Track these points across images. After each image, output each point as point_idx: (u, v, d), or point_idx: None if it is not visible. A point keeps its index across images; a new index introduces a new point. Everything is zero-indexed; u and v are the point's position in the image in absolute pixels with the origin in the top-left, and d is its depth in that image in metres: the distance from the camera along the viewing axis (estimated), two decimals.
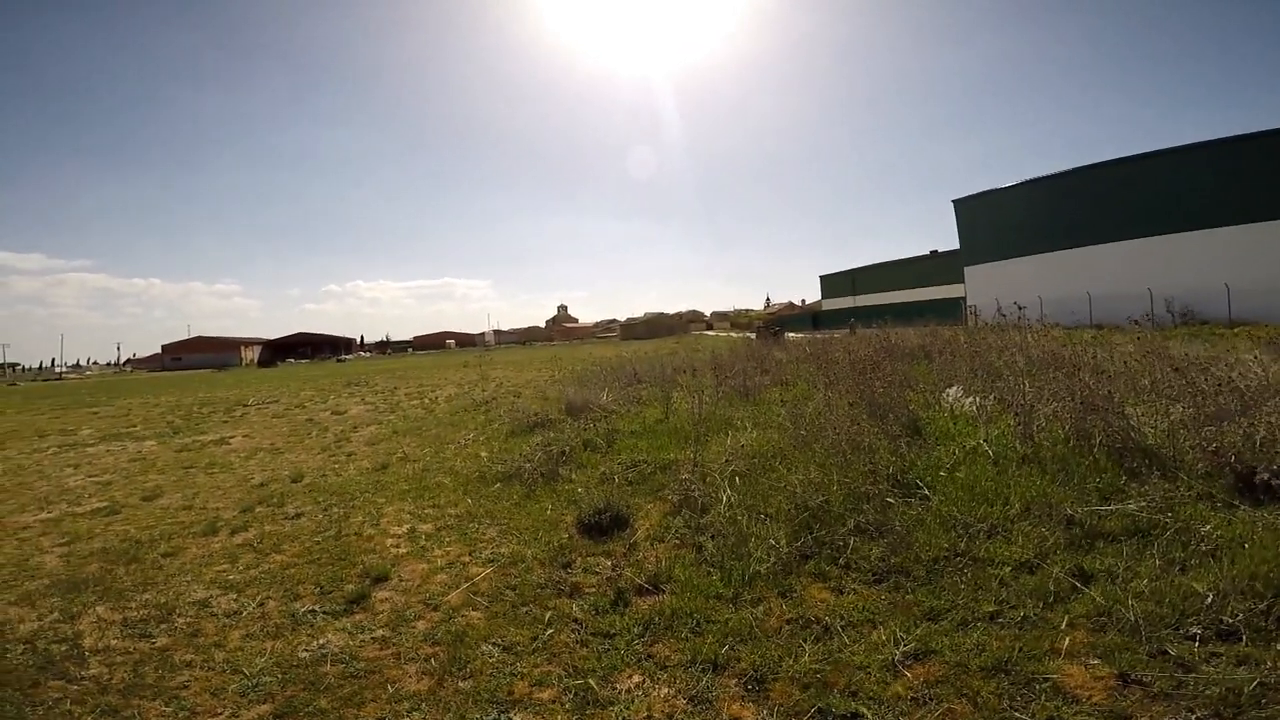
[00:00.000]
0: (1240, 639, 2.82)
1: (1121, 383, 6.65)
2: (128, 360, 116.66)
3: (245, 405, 20.84)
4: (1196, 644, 2.83)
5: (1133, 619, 3.01)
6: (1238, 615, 2.92)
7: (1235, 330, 19.51)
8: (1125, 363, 7.76)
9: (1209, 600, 3.04)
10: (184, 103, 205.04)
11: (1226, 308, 24.91)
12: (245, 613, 4.38)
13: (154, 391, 33.22)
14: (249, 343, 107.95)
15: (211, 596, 4.70)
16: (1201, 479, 4.43)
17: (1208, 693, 2.52)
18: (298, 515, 6.73)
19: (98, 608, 4.62)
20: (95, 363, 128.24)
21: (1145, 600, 3.15)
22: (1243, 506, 4.00)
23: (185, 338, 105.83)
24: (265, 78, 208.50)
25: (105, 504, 7.85)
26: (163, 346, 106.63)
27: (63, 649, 3.99)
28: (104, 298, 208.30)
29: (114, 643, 4.04)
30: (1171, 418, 5.41)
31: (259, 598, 4.61)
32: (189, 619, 4.35)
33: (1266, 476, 4.08)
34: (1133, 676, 2.70)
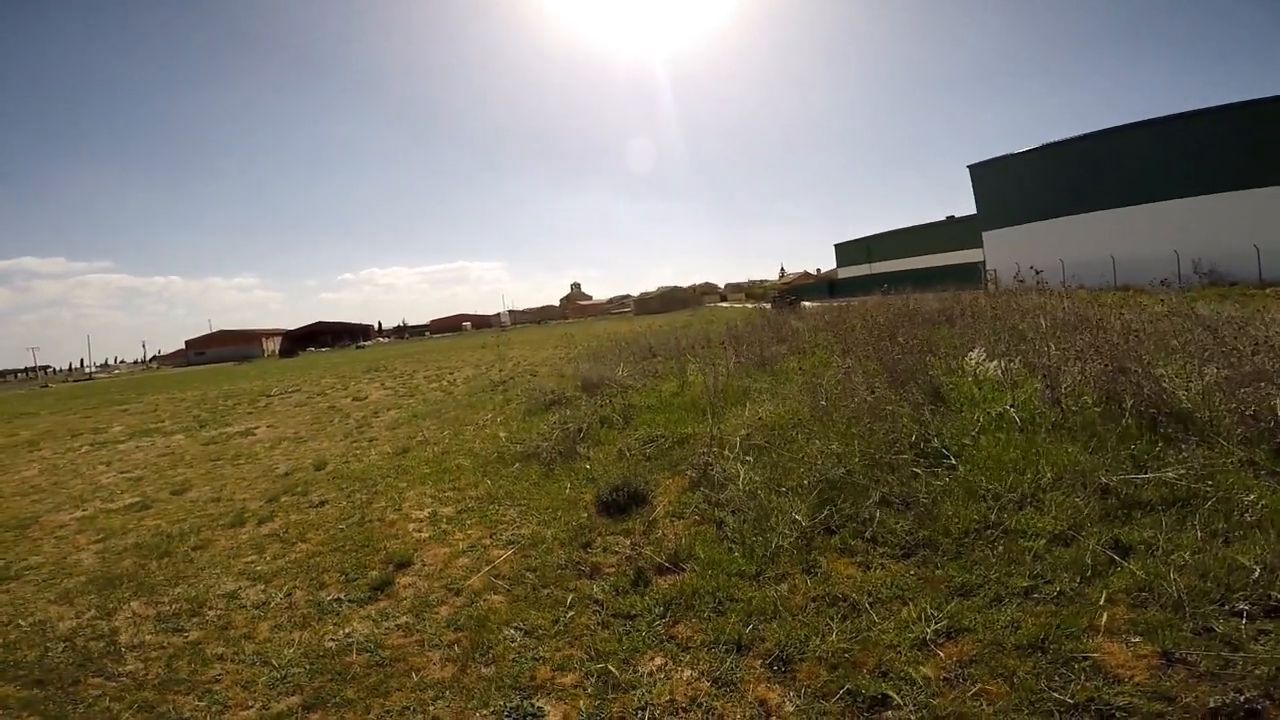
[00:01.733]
0: None
1: (1151, 343, 6.43)
2: (153, 357, 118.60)
3: (268, 395, 21.11)
4: (1244, 621, 2.69)
5: (1175, 594, 2.87)
6: None
7: (1267, 291, 18.87)
8: (1154, 323, 7.50)
9: (1256, 575, 2.88)
10: (195, 101, 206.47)
11: (1257, 269, 24.09)
12: (273, 604, 4.42)
13: (180, 386, 33.81)
14: (270, 334, 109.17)
15: (240, 588, 4.76)
16: (1241, 445, 4.23)
17: (1257, 672, 2.39)
18: (322, 503, 6.78)
19: (132, 603, 4.69)
20: (122, 361, 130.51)
21: (1188, 574, 3.01)
22: None
23: (207, 332, 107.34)
24: (275, 73, 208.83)
25: (137, 499, 7.98)
26: (186, 342, 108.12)
27: (100, 646, 4.07)
28: (126, 297, 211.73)
29: (149, 638, 4.11)
30: (1206, 379, 5.20)
31: (286, 588, 4.65)
32: (219, 612, 4.40)
33: None
34: (1176, 655, 2.58)
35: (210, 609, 4.46)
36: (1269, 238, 24.15)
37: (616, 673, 3.07)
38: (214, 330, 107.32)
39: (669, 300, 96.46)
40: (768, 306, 32.87)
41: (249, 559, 5.37)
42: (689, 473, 5.69)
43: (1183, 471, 3.93)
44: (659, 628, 3.44)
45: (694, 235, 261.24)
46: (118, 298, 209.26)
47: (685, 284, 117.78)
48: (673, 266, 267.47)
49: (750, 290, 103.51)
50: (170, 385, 36.41)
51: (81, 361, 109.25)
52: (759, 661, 3.02)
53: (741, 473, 5.16)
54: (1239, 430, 4.38)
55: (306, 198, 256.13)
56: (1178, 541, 3.32)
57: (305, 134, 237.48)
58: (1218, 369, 5.32)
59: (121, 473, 9.98)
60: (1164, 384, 5.17)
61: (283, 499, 7.16)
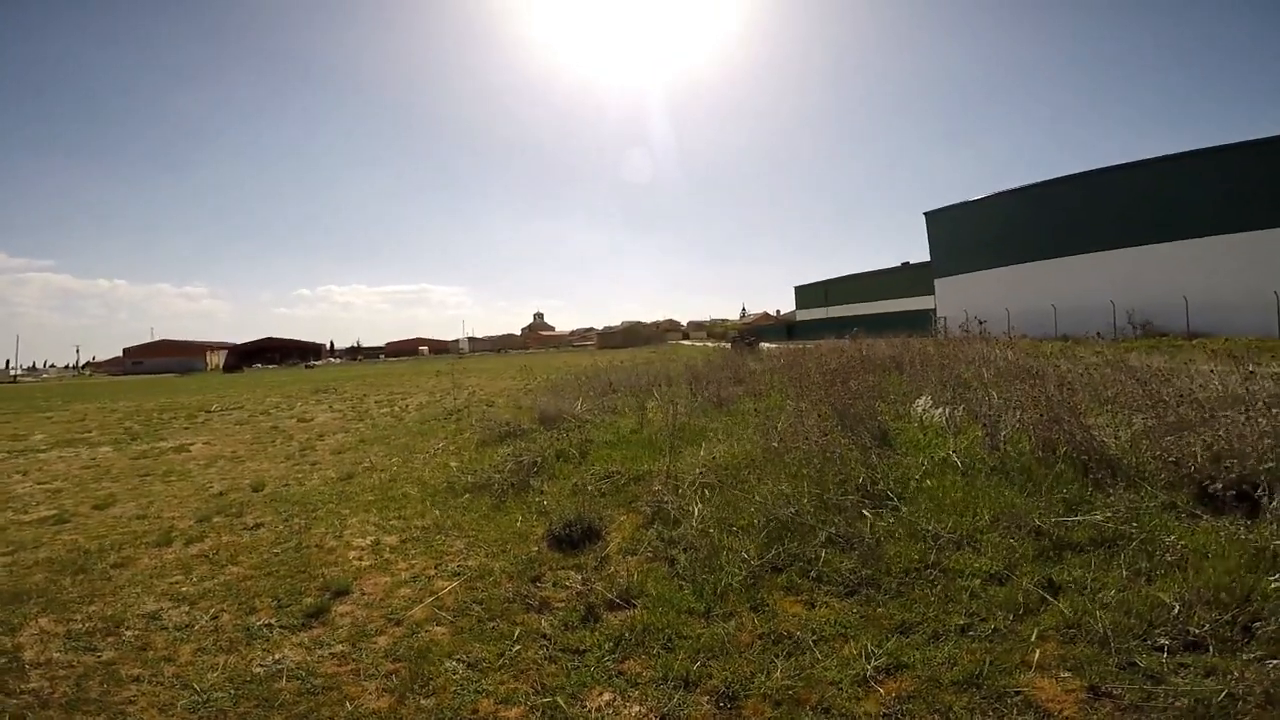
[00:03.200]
0: (1207, 650, 2.84)
1: (1085, 394, 6.77)
2: (87, 363, 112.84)
3: (208, 411, 20.27)
4: (1165, 655, 2.84)
5: (1101, 630, 3.01)
6: (1204, 626, 2.94)
7: (1193, 342, 20.10)
8: (1089, 373, 7.91)
9: (1175, 611, 3.06)
10: (159, 100, 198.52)
11: (1185, 320, 25.72)
12: (198, 626, 4.21)
13: (113, 396, 32.17)
14: (215, 347, 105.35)
15: (162, 609, 4.52)
16: (1164, 489, 4.50)
17: (1177, 704, 2.52)
18: (257, 526, 6.51)
19: (40, 620, 4.41)
20: (53, 365, 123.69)
21: (1113, 611, 3.16)
22: (1205, 517, 4.06)
23: (148, 341, 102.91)
24: (246, 77, 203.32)
25: (54, 512, 7.51)
26: (124, 350, 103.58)
27: (1, 661, 3.79)
28: (66, 298, 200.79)
29: (56, 656, 3.86)
30: (1134, 428, 5.51)
31: (212, 611, 4.43)
32: (137, 632, 4.17)
33: (1221, 487, 4.16)
34: (1103, 689, 2.70)
35: (128, 629, 4.22)
36: (1196, 289, 25.82)
37: (564, 707, 3.02)
38: (155, 339, 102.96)
39: (632, 335, 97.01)
40: (728, 346, 33.38)
41: (174, 579, 5.11)
42: (644, 509, 5.68)
43: (1110, 514, 4.15)
44: (608, 663, 3.40)
45: (660, 270, 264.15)
46: (57, 298, 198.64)
47: (649, 319, 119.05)
48: (637, 300, 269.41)
49: (711, 329, 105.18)
50: (103, 394, 34.61)
51: (7, 363, 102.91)
52: (706, 698, 3.01)
53: (695, 510, 5.18)
54: (1162, 475, 4.65)
55: (271, 207, 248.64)
56: (1104, 580, 3.49)
57: (273, 142, 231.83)
58: (1145, 419, 5.63)
59: (39, 484, 9.39)
60: (1095, 433, 5.45)
61: (215, 519, 6.85)
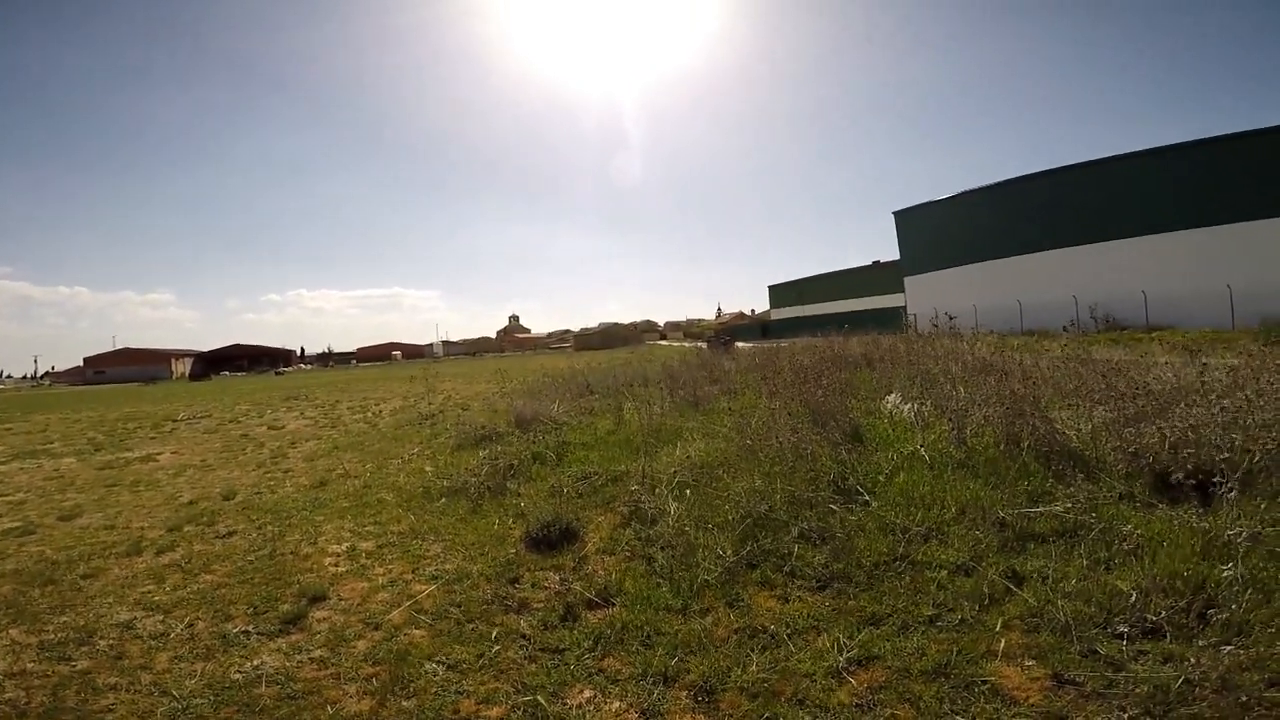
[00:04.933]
0: (1165, 636, 2.96)
1: (1048, 388, 6.98)
2: (46, 373, 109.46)
3: (175, 420, 19.82)
4: (1124, 642, 2.95)
5: (1064, 619, 3.12)
6: (1160, 613, 3.07)
7: (1152, 335, 20.76)
8: (1052, 368, 8.15)
9: (1133, 599, 3.18)
10: (126, 104, 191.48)
11: (1145, 314, 26.55)
12: (173, 634, 4.16)
13: (74, 406, 31.27)
14: (180, 355, 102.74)
15: (136, 618, 4.45)
16: (1122, 480, 4.67)
17: (1137, 691, 2.62)
18: (229, 534, 6.41)
19: (11, 631, 4.34)
20: (9, 376, 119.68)
21: (1074, 600, 3.28)
22: (1160, 506, 4.22)
23: (110, 349, 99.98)
24: (216, 82, 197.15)
25: (18, 524, 7.32)
26: (85, 359, 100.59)
27: None
28: (23, 306, 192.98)
29: (30, 666, 3.81)
30: (1094, 421, 5.69)
31: (187, 619, 4.38)
32: (112, 641, 4.12)
33: (1180, 476, 4.33)
34: (1066, 676, 2.80)
35: (102, 638, 4.16)
36: (1154, 284, 26.67)
37: (545, 705, 3.05)
38: (118, 348, 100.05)
39: (609, 337, 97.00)
40: (704, 346, 33.60)
41: (146, 588, 5.03)
42: (621, 509, 5.73)
43: (1070, 505, 4.30)
44: (588, 661, 3.44)
45: (637, 272, 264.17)
46: (13, 306, 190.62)
47: (626, 321, 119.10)
48: (615, 302, 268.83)
49: (688, 329, 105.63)
50: (64, 404, 33.63)
51: None
52: (685, 693, 3.07)
53: (672, 509, 5.24)
54: (1121, 467, 4.82)
55: (241, 213, 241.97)
56: (1066, 570, 3.62)
57: (243, 148, 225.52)
58: (1105, 411, 5.82)
59: (1, 496, 9.13)
60: (1057, 426, 5.62)
61: (186, 528, 6.73)
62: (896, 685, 2.89)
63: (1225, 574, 3.24)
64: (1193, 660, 2.71)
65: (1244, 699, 2.48)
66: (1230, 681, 2.56)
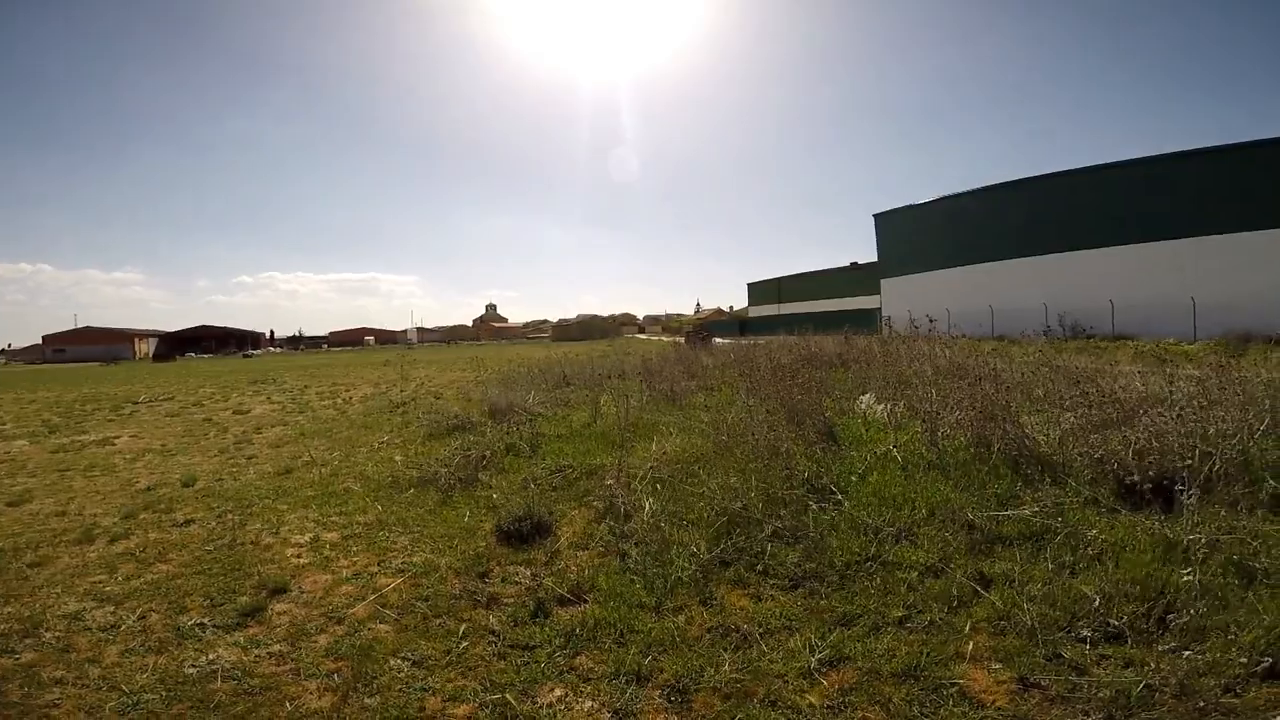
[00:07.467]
0: (1126, 641, 3.01)
1: (1019, 393, 7.09)
2: (1, 351, 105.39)
3: (135, 403, 19.23)
4: (1088, 646, 2.99)
5: (1029, 622, 3.16)
6: (1123, 618, 3.12)
7: (1118, 344, 21.28)
8: (1022, 373, 8.28)
9: (1096, 603, 3.23)
10: (105, 80, 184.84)
11: (1111, 322, 27.24)
12: (124, 626, 4.01)
13: (31, 386, 30.19)
14: (145, 334, 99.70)
15: (85, 609, 4.28)
16: (1088, 485, 4.75)
17: (1100, 695, 2.66)
18: (187, 522, 6.22)
19: None
20: None
21: (1040, 604, 3.32)
22: (1123, 511, 4.31)
23: (71, 328, 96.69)
24: (201, 63, 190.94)
25: None
26: (44, 337, 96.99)
27: None
28: None
29: None
30: (1063, 427, 5.79)
31: (140, 610, 4.22)
32: (59, 633, 3.95)
33: (1141, 481, 4.42)
34: (1031, 680, 2.83)
35: (48, 630, 3.99)
36: (1120, 293, 27.41)
37: (514, 703, 2.99)
38: (79, 326, 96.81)
39: (588, 329, 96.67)
40: (682, 341, 33.63)
41: (97, 578, 4.84)
42: (596, 504, 5.67)
43: (1037, 509, 4.37)
44: (559, 659, 3.38)
45: (617, 265, 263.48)
46: None
47: (605, 313, 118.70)
48: (594, 294, 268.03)
49: (667, 324, 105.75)
50: (19, 383, 32.44)
51: None
52: (658, 692, 3.04)
53: (647, 505, 5.20)
54: (1087, 472, 4.90)
55: (208, 192, 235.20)
56: (1032, 573, 3.66)
57: (219, 129, 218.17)
58: (1073, 417, 5.93)
59: None
60: (1026, 430, 5.71)
61: (141, 516, 6.51)
62: (867, 687, 2.90)
63: (1184, 579, 3.30)
64: (1153, 665, 2.76)
65: (1202, 704, 2.53)
66: (1189, 687, 2.61)
